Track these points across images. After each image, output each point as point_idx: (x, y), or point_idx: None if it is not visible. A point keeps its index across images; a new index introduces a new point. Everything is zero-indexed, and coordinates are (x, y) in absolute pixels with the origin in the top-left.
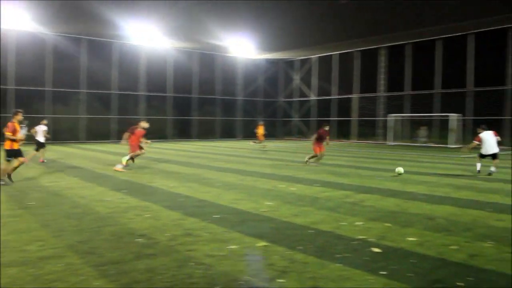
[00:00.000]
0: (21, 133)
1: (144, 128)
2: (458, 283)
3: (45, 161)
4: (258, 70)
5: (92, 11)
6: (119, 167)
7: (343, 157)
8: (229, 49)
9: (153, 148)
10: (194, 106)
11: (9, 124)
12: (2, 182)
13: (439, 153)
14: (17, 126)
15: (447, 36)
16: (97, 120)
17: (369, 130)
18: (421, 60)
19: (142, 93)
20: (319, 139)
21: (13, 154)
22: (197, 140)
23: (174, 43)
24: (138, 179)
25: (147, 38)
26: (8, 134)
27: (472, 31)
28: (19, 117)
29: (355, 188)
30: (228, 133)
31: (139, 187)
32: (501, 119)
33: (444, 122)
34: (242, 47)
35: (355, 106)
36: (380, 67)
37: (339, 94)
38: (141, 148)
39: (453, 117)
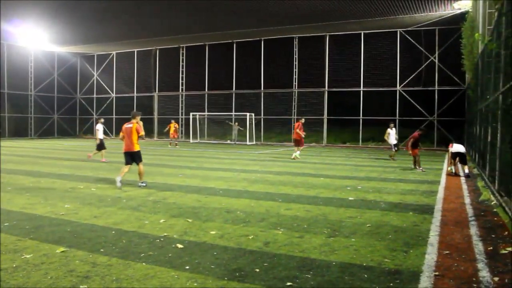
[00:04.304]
0: None
1: None
2: (255, 269)
3: None
4: (53, 64)
5: None
6: None
7: (145, 155)
8: (18, 37)
9: None
10: None
11: None
12: None
13: (239, 149)
14: None
15: (243, 40)
16: None
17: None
18: (218, 61)
19: None
20: (416, 144)
21: None
22: None
23: None
24: None
25: None
26: None
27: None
28: None
29: (157, 186)
30: (19, 132)
31: None
32: (290, 118)
33: (242, 120)
34: (34, 37)
35: (156, 104)
36: (181, 66)
37: (140, 92)
38: None
39: (250, 116)
